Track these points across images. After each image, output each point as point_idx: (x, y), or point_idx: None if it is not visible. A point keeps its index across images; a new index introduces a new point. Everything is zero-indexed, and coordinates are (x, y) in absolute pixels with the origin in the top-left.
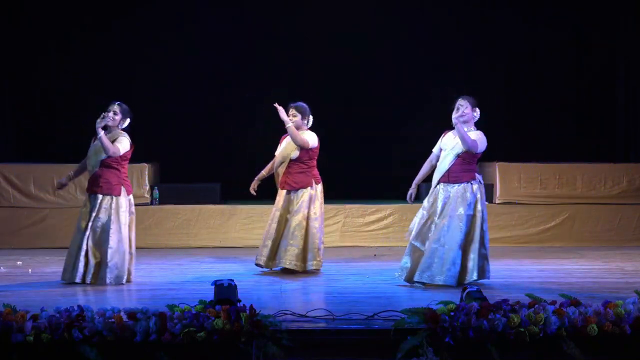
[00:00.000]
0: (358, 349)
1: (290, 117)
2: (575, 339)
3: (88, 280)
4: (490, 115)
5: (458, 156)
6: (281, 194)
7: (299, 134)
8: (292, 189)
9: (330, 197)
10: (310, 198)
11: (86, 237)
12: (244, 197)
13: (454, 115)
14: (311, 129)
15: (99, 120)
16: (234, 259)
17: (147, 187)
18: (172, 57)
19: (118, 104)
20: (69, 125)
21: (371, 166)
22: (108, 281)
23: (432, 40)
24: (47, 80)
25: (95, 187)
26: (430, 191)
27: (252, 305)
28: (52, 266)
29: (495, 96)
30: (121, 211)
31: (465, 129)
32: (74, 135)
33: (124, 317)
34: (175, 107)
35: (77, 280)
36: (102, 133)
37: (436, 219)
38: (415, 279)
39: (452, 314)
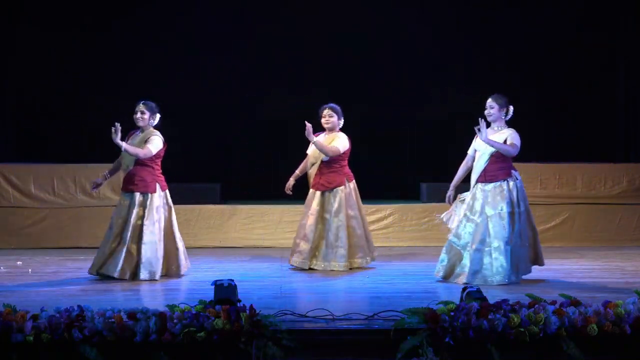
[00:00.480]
0: (358, 349)
1: (326, 118)
2: (575, 339)
3: (127, 276)
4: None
5: (492, 155)
6: (313, 195)
7: (326, 146)
8: (326, 189)
9: None
10: (346, 197)
11: (127, 234)
12: (244, 197)
13: (482, 138)
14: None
15: (113, 135)
16: (234, 259)
17: None
18: (172, 57)
19: (143, 103)
20: (69, 125)
21: (371, 166)
22: (142, 277)
23: (432, 40)
24: (47, 80)
25: (130, 185)
26: (470, 191)
27: (252, 305)
28: (52, 266)
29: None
30: (155, 207)
31: (496, 128)
32: (74, 135)
33: (124, 317)
34: (175, 107)
35: (116, 275)
36: (124, 146)
37: (476, 218)
38: (467, 280)
39: (452, 314)
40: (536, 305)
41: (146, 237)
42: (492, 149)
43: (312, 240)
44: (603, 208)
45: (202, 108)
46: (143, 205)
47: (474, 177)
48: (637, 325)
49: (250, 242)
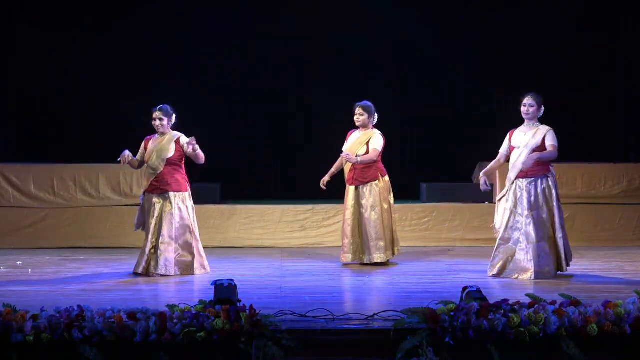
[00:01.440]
0: (358, 349)
1: (357, 116)
2: (575, 339)
3: (177, 272)
4: (489, 116)
5: (532, 151)
6: (349, 191)
7: (367, 157)
8: (361, 184)
9: (330, 197)
10: (380, 191)
11: (167, 232)
12: (244, 197)
13: (521, 162)
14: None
15: (189, 150)
16: (234, 259)
17: None
18: (172, 57)
19: (159, 109)
20: (69, 125)
21: None
22: (197, 271)
23: (432, 40)
24: (47, 80)
25: (164, 186)
26: (507, 188)
27: (252, 305)
28: (52, 266)
29: (495, 96)
30: (188, 204)
31: (531, 125)
32: (74, 135)
33: (124, 317)
34: (175, 107)
35: (172, 273)
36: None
37: (526, 213)
38: (535, 276)
39: (452, 314)
40: (536, 305)
41: (187, 234)
42: (532, 146)
43: (351, 235)
44: (603, 208)
45: (202, 108)
46: (180, 205)
47: (512, 173)
48: (637, 325)
49: (250, 242)
